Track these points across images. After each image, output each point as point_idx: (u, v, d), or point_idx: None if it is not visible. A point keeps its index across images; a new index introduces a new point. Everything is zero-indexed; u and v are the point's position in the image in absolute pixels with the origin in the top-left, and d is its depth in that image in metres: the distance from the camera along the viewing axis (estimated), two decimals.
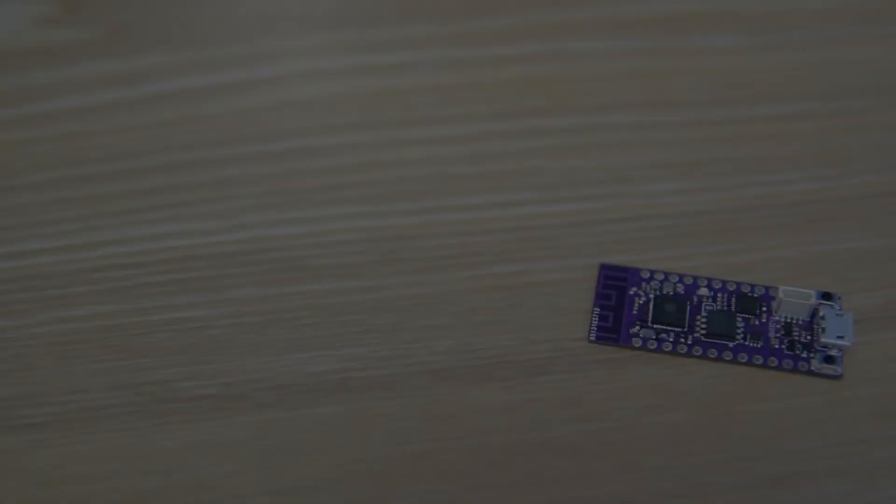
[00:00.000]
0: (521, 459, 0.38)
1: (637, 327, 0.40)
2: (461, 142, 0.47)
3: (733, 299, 0.41)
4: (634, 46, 0.50)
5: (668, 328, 0.40)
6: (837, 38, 0.50)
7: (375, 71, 0.49)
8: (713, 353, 0.40)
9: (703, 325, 0.40)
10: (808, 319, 0.41)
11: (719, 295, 0.41)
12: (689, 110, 0.48)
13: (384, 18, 0.51)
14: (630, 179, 0.45)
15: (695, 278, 0.42)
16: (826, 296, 0.41)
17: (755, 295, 0.41)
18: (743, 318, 0.41)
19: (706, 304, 0.41)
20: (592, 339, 0.40)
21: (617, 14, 0.52)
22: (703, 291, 0.41)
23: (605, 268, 0.42)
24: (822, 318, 0.40)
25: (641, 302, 0.41)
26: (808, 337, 0.40)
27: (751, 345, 0.40)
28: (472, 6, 0.52)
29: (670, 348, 0.40)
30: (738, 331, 0.40)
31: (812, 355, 0.40)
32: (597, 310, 0.41)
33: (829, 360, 0.40)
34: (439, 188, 0.45)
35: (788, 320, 0.41)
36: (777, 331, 0.40)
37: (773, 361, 0.40)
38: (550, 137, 0.47)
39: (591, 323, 0.40)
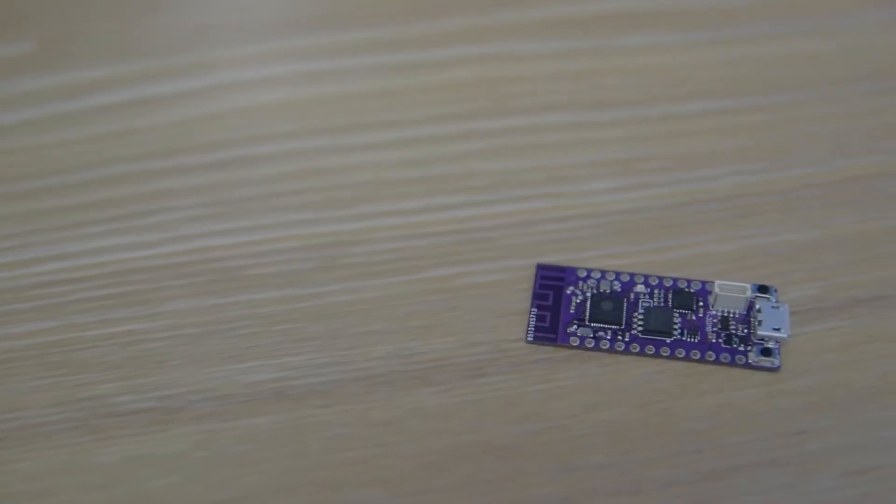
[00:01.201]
0: (461, 462, 0.38)
1: (574, 326, 0.41)
2: (399, 146, 0.47)
3: (670, 295, 0.41)
4: (570, 47, 0.51)
5: (606, 326, 0.40)
6: (767, 34, 0.51)
7: (313, 78, 0.49)
8: (651, 349, 0.40)
9: (640, 322, 0.41)
10: (745, 313, 0.41)
11: (656, 291, 0.42)
12: (624, 109, 0.48)
13: (320, 25, 0.51)
14: (566, 179, 0.45)
15: (631, 275, 0.42)
16: (762, 289, 0.41)
17: (691, 290, 0.42)
18: (680, 313, 0.41)
19: (643, 301, 0.41)
20: (530, 339, 0.40)
21: (552, 15, 0.52)
22: (640, 288, 0.42)
23: (541, 268, 0.42)
24: (759, 310, 0.41)
25: (578, 301, 0.41)
26: (745, 330, 0.40)
27: (688, 340, 0.40)
28: (408, 11, 0.52)
29: (608, 346, 0.40)
30: (675, 326, 0.40)
31: (749, 348, 0.40)
32: (534, 310, 0.41)
33: (766, 352, 0.40)
34: (377, 194, 0.45)
35: (725, 314, 0.41)
36: (714, 325, 0.41)
37: (711, 356, 0.40)
38: (487, 139, 0.47)
39: (529, 323, 0.41)
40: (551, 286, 0.42)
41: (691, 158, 0.46)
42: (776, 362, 0.40)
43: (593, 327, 0.40)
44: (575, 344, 0.40)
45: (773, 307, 0.41)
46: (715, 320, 0.41)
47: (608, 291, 0.42)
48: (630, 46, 0.51)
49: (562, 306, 0.41)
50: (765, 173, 0.46)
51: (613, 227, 0.44)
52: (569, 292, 0.41)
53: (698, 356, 0.40)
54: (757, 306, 0.41)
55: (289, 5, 0.53)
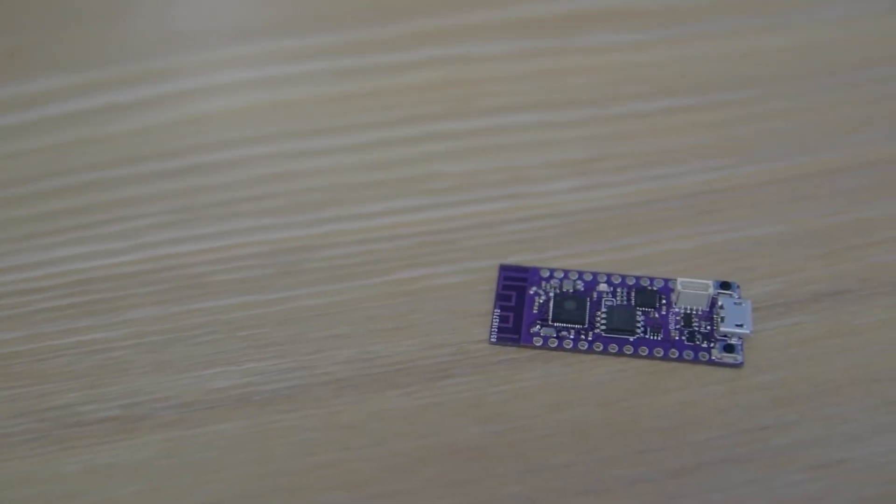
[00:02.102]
0: (426, 464, 0.38)
1: (538, 326, 0.41)
2: (361, 150, 0.47)
3: (633, 293, 0.41)
4: (531, 47, 0.51)
5: (569, 326, 0.41)
6: (728, 31, 0.51)
7: (274, 83, 0.49)
8: (614, 348, 0.40)
9: (603, 321, 0.41)
10: (708, 309, 0.41)
11: (618, 290, 0.42)
12: (587, 108, 0.48)
13: (281, 31, 0.51)
14: (529, 179, 0.45)
15: (594, 275, 0.42)
16: (724, 285, 0.41)
17: (654, 288, 0.42)
18: (643, 311, 0.41)
19: (606, 300, 0.41)
20: (493, 340, 0.40)
21: (513, 16, 0.52)
22: (603, 287, 0.42)
23: (504, 269, 0.42)
24: (721, 307, 0.41)
25: (541, 301, 0.41)
26: (708, 327, 0.41)
27: (651, 338, 0.40)
28: (369, 15, 0.52)
29: (571, 346, 0.40)
30: (638, 324, 0.41)
31: (712, 345, 0.40)
32: (497, 311, 0.41)
33: (729, 348, 0.40)
34: (339, 198, 0.45)
35: (688, 311, 0.41)
36: (677, 322, 0.41)
37: (674, 353, 0.40)
38: (449, 141, 0.47)
39: (492, 324, 0.41)
40: (514, 287, 0.42)
41: (653, 156, 0.46)
42: (739, 358, 0.40)
43: (556, 327, 0.41)
44: (538, 344, 0.40)
45: (735, 303, 0.41)
46: (678, 318, 0.41)
47: (571, 291, 0.42)
48: (592, 46, 0.51)
49: (525, 307, 0.41)
50: (727, 170, 0.46)
51: (576, 226, 0.44)
52: (532, 292, 0.41)
53: (661, 354, 0.40)
54: (719, 303, 0.41)
55: (248, 12, 0.53)
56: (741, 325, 0.40)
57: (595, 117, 0.48)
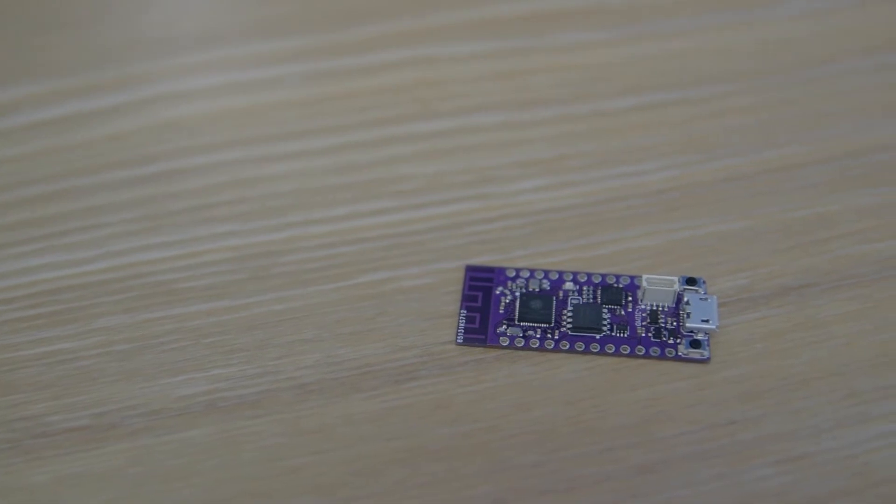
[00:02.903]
0: (394, 467, 0.38)
1: (504, 326, 0.41)
2: (327, 154, 0.47)
3: (598, 291, 0.42)
4: (497, 47, 0.51)
5: (535, 325, 0.41)
6: (691, 28, 0.51)
7: (239, 88, 0.49)
8: (580, 346, 0.40)
9: (570, 320, 0.41)
10: (674, 306, 0.41)
11: (584, 288, 0.42)
12: (552, 107, 0.48)
13: (245, 36, 0.52)
14: (495, 179, 0.46)
15: (560, 273, 0.42)
16: (690, 281, 0.42)
17: (620, 286, 0.42)
18: (609, 309, 0.41)
19: (572, 299, 0.41)
20: (460, 341, 0.40)
21: (478, 17, 0.52)
22: (569, 286, 0.42)
23: (470, 269, 0.42)
24: (687, 303, 0.41)
25: (508, 301, 0.41)
26: (674, 323, 0.41)
27: (617, 335, 0.40)
28: (335, 18, 0.52)
29: (538, 345, 0.40)
30: (605, 322, 0.41)
31: (678, 341, 0.40)
32: (463, 312, 0.41)
33: (696, 344, 0.40)
34: (306, 202, 0.45)
35: (654, 308, 0.41)
36: (643, 319, 0.41)
37: (641, 350, 0.40)
38: (417, 143, 0.47)
39: (458, 325, 0.41)
40: (480, 287, 0.42)
41: (619, 154, 0.46)
42: (706, 354, 0.40)
43: (523, 327, 0.41)
44: (505, 344, 0.40)
45: (701, 299, 0.41)
46: (644, 314, 0.41)
47: (537, 290, 0.42)
48: (556, 45, 0.51)
49: (491, 307, 0.41)
50: (692, 166, 0.46)
51: (542, 225, 0.44)
52: (498, 292, 0.42)
53: (628, 351, 0.40)
54: (685, 299, 0.41)
55: (214, 17, 0.53)
56: (707, 321, 0.40)
57: (561, 116, 0.48)
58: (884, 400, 0.39)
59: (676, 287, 0.41)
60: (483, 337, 0.40)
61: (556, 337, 0.40)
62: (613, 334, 0.40)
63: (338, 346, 0.41)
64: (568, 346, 0.40)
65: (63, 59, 0.51)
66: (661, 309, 0.41)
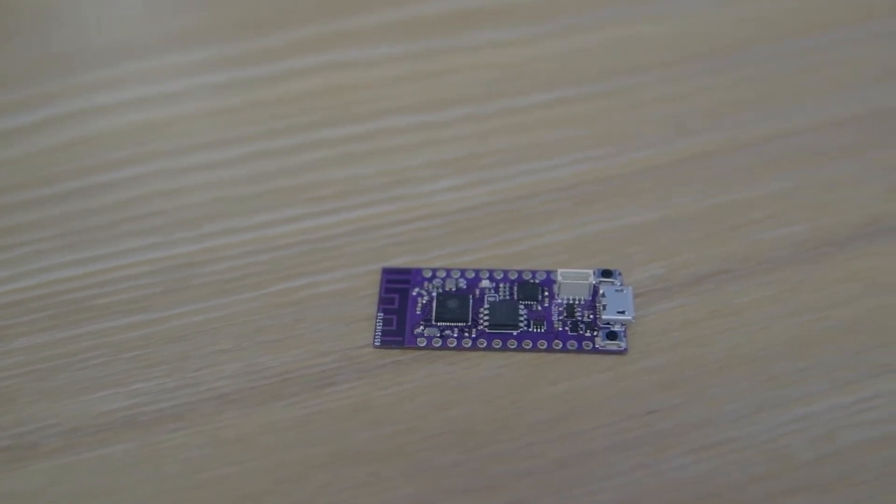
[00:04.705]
0: (316, 473, 0.38)
1: (421, 327, 0.41)
2: (243, 163, 0.47)
3: (515, 288, 0.42)
4: (408, 50, 0.51)
5: (452, 324, 0.41)
6: (601, 21, 0.52)
7: (154, 102, 0.49)
8: (498, 343, 0.40)
9: (486, 317, 0.41)
10: (590, 299, 0.41)
11: (501, 285, 0.42)
12: (465, 106, 0.48)
13: (158, 49, 0.51)
14: (410, 181, 0.46)
15: (476, 272, 0.42)
16: (605, 273, 0.42)
17: (536, 281, 0.42)
18: (525, 305, 0.41)
19: (488, 296, 0.42)
20: (377, 344, 0.40)
21: (389, 20, 0.52)
22: (485, 283, 0.42)
23: (387, 272, 0.42)
24: (603, 295, 0.41)
25: (425, 301, 0.41)
26: (591, 316, 0.41)
27: (534, 331, 0.41)
28: (245, 27, 0.52)
29: (455, 344, 0.40)
30: (521, 318, 0.41)
31: (595, 333, 0.40)
32: (380, 314, 0.41)
33: (612, 336, 0.40)
34: (222, 212, 0.45)
35: (570, 302, 0.41)
36: (560, 314, 0.41)
37: (558, 344, 0.40)
38: (330, 148, 0.47)
39: (375, 328, 0.41)
40: (397, 289, 0.42)
41: (533, 150, 0.47)
42: (623, 345, 0.40)
43: (440, 326, 0.41)
44: (422, 345, 0.40)
45: (617, 291, 0.41)
46: (560, 309, 0.41)
47: (454, 290, 0.42)
48: (469, 45, 0.51)
49: (408, 308, 0.41)
50: (606, 159, 0.46)
51: (458, 224, 0.44)
52: (414, 294, 0.42)
53: (545, 346, 0.40)
54: (601, 291, 0.41)
55: (122, 32, 0.53)
56: (623, 312, 0.41)
57: (474, 115, 0.48)
58: (801, 383, 0.40)
59: (592, 280, 0.41)
60: (400, 339, 0.40)
61: (474, 335, 0.40)
62: (530, 330, 0.41)
63: (257, 355, 0.41)
64: (485, 344, 0.40)
65: None
66: (577, 302, 0.41)
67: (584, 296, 0.41)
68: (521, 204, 0.45)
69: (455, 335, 0.40)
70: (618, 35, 0.51)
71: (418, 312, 0.41)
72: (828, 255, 0.43)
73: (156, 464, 0.38)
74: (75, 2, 0.54)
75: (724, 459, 0.38)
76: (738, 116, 0.48)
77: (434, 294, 0.42)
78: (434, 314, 0.41)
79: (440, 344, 0.40)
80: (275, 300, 0.42)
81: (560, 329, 0.41)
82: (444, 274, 0.42)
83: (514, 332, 0.40)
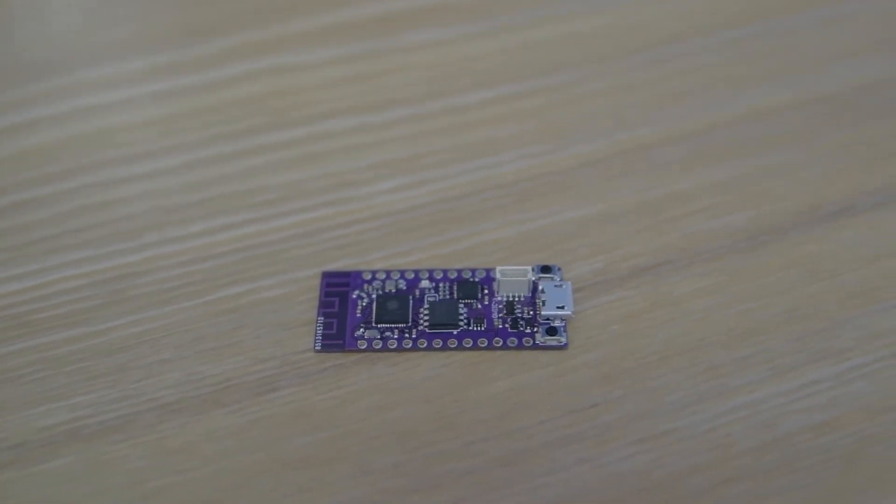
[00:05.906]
0: (259, 479, 0.38)
1: (361, 330, 0.41)
2: (181, 171, 0.47)
3: (455, 287, 0.42)
4: (347, 52, 0.51)
5: (393, 325, 0.41)
6: (540, 18, 0.52)
7: (90, 112, 0.49)
8: (438, 343, 0.40)
9: (426, 317, 0.41)
10: (529, 295, 0.41)
11: (441, 285, 0.42)
12: (405, 107, 0.49)
13: (93, 60, 0.51)
14: (350, 184, 0.46)
15: (416, 272, 0.42)
16: (545, 269, 0.42)
17: (476, 279, 0.42)
18: (465, 303, 0.41)
19: (428, 296, 0.42)
20: (318, 348, 0.40)
21: (326, 23, 0.52)
22: (425, 284, 0.42)
23: (326, 275, 0.42)
24: (542, 291, 0.41)
25: (365, 304, 0.41)
26: (531, 312, 0.41)
27: (474, 329, 0.41)
28: (181, 35, 0.52)
29: (396, 345, 0.40)
30: (461, 317, 0.41)
31: (535, 329, 0.40)
32: (320, 318, 0.41)
33: (552, 331, 0.40)
34: (160, 221, 0.45)
35: (510, 299, 0.41)
36: (500, 311, 0.41)
37: (498, 342, 0.40)
38: (270, 153, 0.47)
39: (316, 332, 0.41)
40: (337, 293, 0.42)
41: (473, 149, 0.47)
42: (563, 340, 0.40)
43: (380, 328, 0.41)
44: (363, 347, 0.40)
45: (556, 286, 0.41)
46: (500, 306, 0.41)
47: (394, 291, 0.42)
48: (407, 45, 0.51)
49: (348, 311, 0.41)
50: (545, 156, 0.46)
51: (398, 225, 0.44)
52: (354, 296, 0.42)
53: (486, 344, 0.40)
54: (540, 287, 0.41)
55: (57, 43, 0.53)
56: (562, 307, 0.41)
57: (414, 115, 0.48)
58: (741, 371, 0.40)
59: (530, 276, 0.41)
60: (341, 342, 0.40)
61: (414, 336, 0.41)
62: (471, 328, 0.41)
63: (198, 364, 0.40)
64: (426, 344, 0.40)
65: None
66: (516, 299, 0.41)
67: (524, 292, 0.41)
68: (463, 202, 0.45)
69: (395, 336, 0.40)
70: (554, 32, 0.51)
71: (359, 315, 0.41)
72: (766, 244, 0.43)
73: (101, 476, 0.38)
74: (10, 15, 0.54)
75: (666, 450, 0.38)
76: (674, 109, 0.48)
77: (374, 296, 0.42)
78: (374, 316, 0.41)
79: (381, 346, 0.40)
80: (214, 308, 0.42)
81: (500, 326, 0.41)
82: (383, 276, 0.42)
83: (455, 332, 0.40)
